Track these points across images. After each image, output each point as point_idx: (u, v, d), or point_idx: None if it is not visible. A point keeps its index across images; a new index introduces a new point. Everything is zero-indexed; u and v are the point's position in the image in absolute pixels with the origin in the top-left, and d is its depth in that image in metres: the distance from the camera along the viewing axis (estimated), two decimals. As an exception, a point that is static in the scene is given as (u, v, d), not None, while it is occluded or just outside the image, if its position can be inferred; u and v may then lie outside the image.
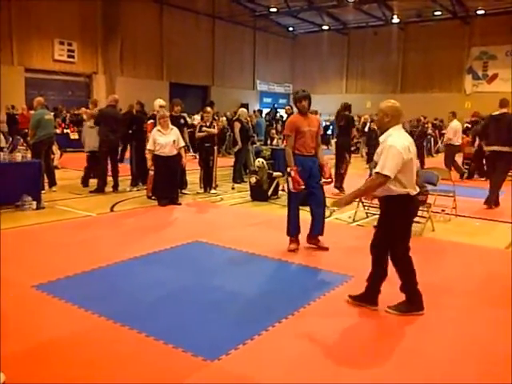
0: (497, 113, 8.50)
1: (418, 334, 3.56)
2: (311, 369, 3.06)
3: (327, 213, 7.80)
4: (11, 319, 3.56)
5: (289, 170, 5.38)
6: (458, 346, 3.40)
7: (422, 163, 12.95)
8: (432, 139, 18.64)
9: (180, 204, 7.98)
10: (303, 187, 5.34)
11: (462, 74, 27.40)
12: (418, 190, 3.78)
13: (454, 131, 12.31)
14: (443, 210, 7.42)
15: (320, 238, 5.70)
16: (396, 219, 3.75)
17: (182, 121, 9.22)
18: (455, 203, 7.48)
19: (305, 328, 3.61)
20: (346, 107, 9.83)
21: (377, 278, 3.91)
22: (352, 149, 18.96)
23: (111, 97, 9.63)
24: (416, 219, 6.57)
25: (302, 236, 5.71)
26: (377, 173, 3.60)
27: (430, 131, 16.85)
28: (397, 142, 3.57)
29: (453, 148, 12.34)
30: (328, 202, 5.53)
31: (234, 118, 10.51)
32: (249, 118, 11.07)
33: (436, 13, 25.49)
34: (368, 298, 3.95)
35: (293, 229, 5.62)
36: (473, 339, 3.50)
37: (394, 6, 25.04)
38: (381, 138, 3.73)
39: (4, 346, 3.09)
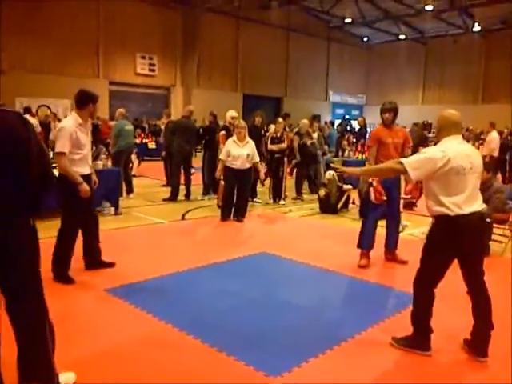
0: None
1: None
2: (377, 392, 2.93)
3: (399, 228, 7.55)
4: (83, 322, 3.74)
5: (371, 180, 5.26)
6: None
7: (505, 178, 12.17)
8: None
9: (242, 221, 7.60)
10: (385, 198, 5.21)
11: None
12: (469, 210, 3.17)
13: (496, 142, 11.54)
14: (527, 229, 6.89)
15: (397, 252, 5.60)
16: (430, 241, 3.37)
17: (263, 132, 9.32)
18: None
19: (371, 348, 3.48)
20: (424, 126, 9.79)
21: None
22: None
23: (186, 108, 9.96)
24: (496, 238, 6.20)
25: (375, 252, 5.55)
26: (398, 161, 3.32)
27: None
28: (436, 148, 3.28)
29: (494, 159, 11.59)
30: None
31: (294, 132, 10.42)
32: (310, 130, 10.88)
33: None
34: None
35: (367, 242, 5.45)
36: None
37: (475, 14, 23.92)
38: (428, 148, 3.49)
39: (75, 349, 3.24)
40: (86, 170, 4.65)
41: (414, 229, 7.31)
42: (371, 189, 5.23)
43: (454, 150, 3.20)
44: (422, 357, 3.35)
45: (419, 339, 3.40)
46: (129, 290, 4.42)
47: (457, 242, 3.23)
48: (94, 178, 4.87)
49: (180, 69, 22.98)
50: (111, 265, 4.96)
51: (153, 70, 22.11)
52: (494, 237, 6.12)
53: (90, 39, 19.85)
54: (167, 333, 3.60)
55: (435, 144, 3.46)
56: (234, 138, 7.60)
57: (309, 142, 9.96)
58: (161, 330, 3.64)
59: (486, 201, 6.12)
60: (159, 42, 21.95)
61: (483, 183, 6.20)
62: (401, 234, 6.90)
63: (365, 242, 5.48)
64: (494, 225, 6.05)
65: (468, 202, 3.19)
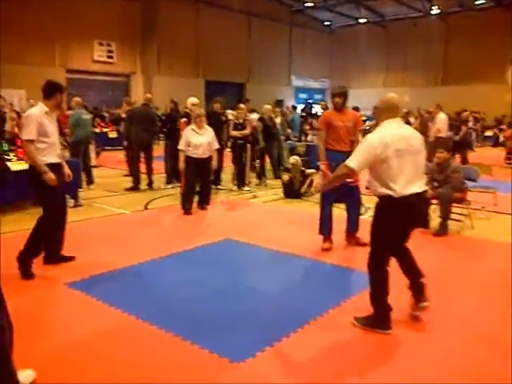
0: None
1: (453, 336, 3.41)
2: (340, 373, 2.98)
3: (362, 210, 7.65)
4: (43, 318, 3.64)
5: (319, 164, 5.33)
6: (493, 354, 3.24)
7: (465, 159, 12.51)
8: (474, 134, 17.99)
9: (206, 209, 7.52)
10: None
11: (506, 65, 26.29)
12: (411, 191, 3.30)
13: (443, 123, 11.90)
14: (483, 207, 7.14)
15: (358, 234, 5.67)
16: (376, 222, 3.46)
17: (224, 118, 9.20)
18: (496, 200, 7.17)
19: (335, 330, 3.52)
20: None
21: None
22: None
23: (144, 95, 9.82)
24: (455, 217, 6.38)
25: (336, 235, 5.61)
26: (344, 165, 3.41)
27: (471, 125, 16.27)
28: (374, 134, 3.37)
29: (442, 140, 11.93)
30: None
31: (257, 118, 10.39)
32: (273, 115, 10.87)
33: (478, 1, 24.56)
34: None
35: (325, 228, 5.54)
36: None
37: (433, -4, 24.36)
38: (369, 134, 3.57)
39: (36, 344, 3.16)
40: (54, 159, 4.53)
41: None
42: (320, 173, 5.29)
43: (391, 134, 3.32)
44: (384, 336, 3.42)
45: (379, 318, 3.48)
46: (90, 283, 4.33)
47: (400, 221, 3.39)
48: (67, 170, 4.78)
49: (140, 56, 22.50)
50: (71, 259, 4.84)
51: (111, 57, 21.55)
52: (452, 216, 6.29)
53: (46, 26, 19.12)
54: (130, 324, 3.55)
55: (375, 127, 3.58)
56: (193, 126, 7.38)
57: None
58: (124, 322, 3.58)
59: (444, 180, 6.34)
60: (117, 28, 21.37)
61: (441, 163, 6.39)
62: (364, 217, 7.02)
63: (323, 227, 5.55)
64: (453, 204, 6.22)
65: (410, 183, 3.31)
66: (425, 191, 3.50)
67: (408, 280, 3.65)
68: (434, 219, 6.42)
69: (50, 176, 4.36)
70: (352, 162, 3.34)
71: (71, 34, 19.82)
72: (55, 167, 4.49)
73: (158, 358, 3.09)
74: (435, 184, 6.36)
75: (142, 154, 9.31)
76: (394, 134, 3.33)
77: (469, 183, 6.46)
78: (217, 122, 8.25)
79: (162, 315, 3.68)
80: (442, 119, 11.95)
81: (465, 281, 4.58)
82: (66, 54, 20.07)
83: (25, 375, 2.72)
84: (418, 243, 5.85)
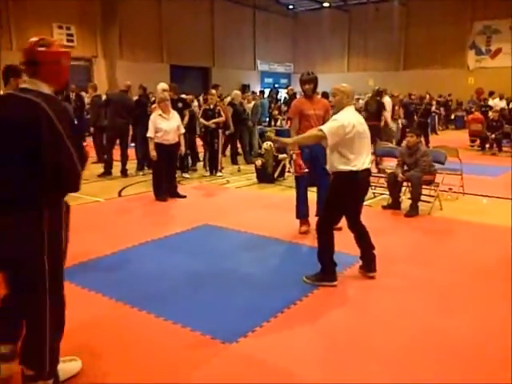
0: None
1: (439, 314, 3.59)
2: (327, 351, 3.10)
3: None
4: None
5: (291, 152, 5.39)
6: (470, 328, 3.44)
7: (427, 141, 12.89)
8: (436, 117, 18.49)
9: (185, 196, 7.39)
10: (306, 171, 5.29)
11: (465, 49, 27.01)
12: (365, 166, 3.93)
13: (389, 106, 12.35)
14: (450, 189, 7.43)
15: None
16: (334, 192, 4.04)
17: (180, 104, 9.02)
18: (462, 181, 7.47)
19: (320, 308, 3.65)
20: (378, 93, 10.43)
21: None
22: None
23: (124, 82, 9.69)
24: (424, 198, 6.62)
25: (312, 217, 5.73)
26: (320, 129, 3.88)
27: (434, 109, 16.72)
28: (343, 116, 3.87)
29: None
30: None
31: (227, 103, 10.35)
32: (243, 101, 10.92)
33: (438, -13, 25.07)
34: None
35: (301, 212, 5.64)
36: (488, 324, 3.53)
37: (395, -19, 24.65)
38: (335, 116, 3.97)
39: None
40: None
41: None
42: (292, 162, 5.36)
43: (353, 117, 3.91)
44: (370, 314, 3.57)
45: (326, 273, 4.06)
46: (71, 272, 4.27)
47: (355, 191, 4.01)
48: None
49: (101, 40, 21.83)
50: None
51: (71, 41, 20.84)
52: (422, 197, 6.53)
53: (0, 8, 18.32)
54: (118, 310, 3.57)
55: (335, 112, 4.04)
56: (159, 112, 7.19)
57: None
58: (111, 309, 3.60)
59: (414, 164, 6.56)
60: (77, 11, 20.64)
61: (411, 147, 6.60)
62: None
63: (299, 211, 5.63)
64: (423, 186, 6.45)
65: (363, 160, 3.93)
66: (370, 168, 4.12)
67: (360, 251, 4.26)
68: (405, 201, 6.64)
69: None
70: (326, 129, 3.82)
71: (28, 17, 19.06)
72: None
73: (151, 342, 3.13)
74: (405, 167, 6.58)
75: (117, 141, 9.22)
76: (356, 118, 3.94)
77: (437, 165, 6.70)
78: (175, 109, 8.06)
79: (149, 300, 3.71)
80: (387, 102, 12.36)
81: (436, 257, 4.79)
82: (24, 37, 19.28)
83: (71, 366, 2.73)
84: (390, 224, 6.11)
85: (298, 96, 17.83)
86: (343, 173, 3.91)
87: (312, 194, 5.73)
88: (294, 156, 5.27)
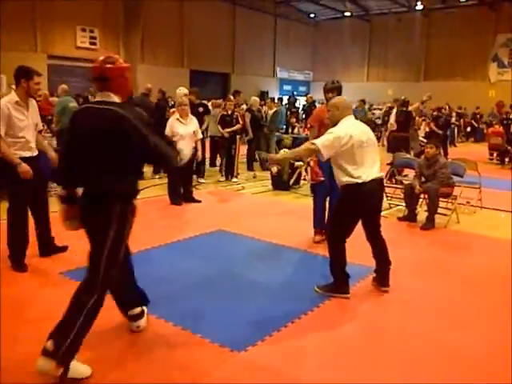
0: None
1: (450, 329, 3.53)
2: (336, 362, 3.06)
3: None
4: (42, 308, 3.63)
5: (309, 160, 5.34)
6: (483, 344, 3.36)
7: (446, 153, 12.75)
8: (456, 128, 18.29)
9: (200, 201, 7.44)
10: (322, 179, 5.28)
11: (487, 61, 26.71)
12: (372, 177, 3.80)
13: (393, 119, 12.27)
14: (468, 202, 7.32)
15: None
16: (340, 205, 3.98)
17: (201, 109, 9.10)
18: (480, 195, 7.36)
19: (331, 320, 3.61)
20: (404, 103, 10.28)
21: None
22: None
23: (144, 85, 9.77)
24: (441, 211, 6.53)
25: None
26: (311, 143, 3.81)
27: (453, 120, 16.55)
28: (339, 128, 3.79)
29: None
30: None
31: (245, 108, 10.39)
32: (262, 107, 11.00)
33: (462, -1, 24.88)
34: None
35: (317, 221, 5.57)
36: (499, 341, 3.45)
37: (417, -8, 24.53)
38: (330, 129, 3.88)
39: (38, 336, 3.15)
40: (26, 153, 4.26)
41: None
42: (309, 169, 5.32)
43: (353, 127, 3.83)
44: (381, 325, 3.51)
45: (339, 285, 3.99)
46: (79, 274, 4.29)
47: (363, 203, 3.87)
48: (52, 154, 4.56)
49: (123, 43, 22.14)
50: (64, 249, 4.79)
51: (94, 44, 21.16)
52: (439, 210, 6.44)
53: (26, 11, 18.68)
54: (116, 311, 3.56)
55: (333, 126, 3.92)
56: (177, 116, 7.24)
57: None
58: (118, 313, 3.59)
59: (432, 175, 6.48)
60: (100, 14, 20.97)
61: (430, 158, 6.53)
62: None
63: (315, 220, 5.56)
64: (440, 199, 6.37)
65: (369, 170, 3.80)
66: (381, 177, 3.96)
67: (376, 264, 4.17)
68: (421, 213, 6.56)
69: (24, 168, 4.14)
70: (319, 142, 3.72)
71: (53, 19, 19.40)
72: (27, 161, 4.20)
73: (157, 348, 3.12)
74: (423, 179, 6.50)
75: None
76: (355, 127, 3.85)
77: (455, 178, 6.61)
78: (195, 114, 8.13)
79: (160, 305, 3.69)
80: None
81: (451, 272, 4.71)
82: (48, 39, 19.64)
83: (82, 369, 2.74)
84: (405, 236, 6.04)
85: (317, 104, 17.91)
86: (348, 186, 3.81)
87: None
88: (312, 163, 5.25)
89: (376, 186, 3.88)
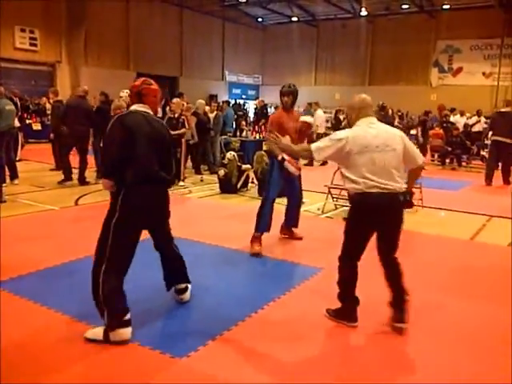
0: (503, 110, 10.68)
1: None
2: (280, 365, 3.02)
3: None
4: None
5: (280, 157, 5.25)
6: (441, 340, 3.42)
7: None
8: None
9: None
10: (298, 173, 5.37)
11: (429, 66, 27.85)
12: (381, 189, 3.25)
13: (321, 119, 12.91)
14: (411, 202, 7.50)
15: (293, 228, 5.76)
16: (348, 217, 3.52)
17: None
18: (422, 194, 7.57)
19: (276, 322, 3.57)
20: (382, 107, 10.57)
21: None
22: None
23: (80, 88, 9.47)
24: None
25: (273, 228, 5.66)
26: (309, 146, 3.58)
27: (396, 123, 17.06)
28: (342, 131, 3.45)
29: (320, 136, 12.74)
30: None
31: (191, 112, 10.26)
32: (207, 110, 10.89)
33: (403, 6, 25.77)
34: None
35: (263, 224, 5.33)
36: (458, 332, 3.53)
37: (362, -1, 25.18)
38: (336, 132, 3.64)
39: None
40: None
41: (311, 205, 7.61)
42: (287, 163, 5.26)
43: (358, 131, 3.36)
44: (326, 324, 3.51)
45: (345, 311, 3.54)
46: (19, 283, 4.09)
47: (367, 217, 3.36)
48: None
49: (65, 45, 21.42)
50: None
51: (34, 45, 20.35)
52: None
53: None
54: (65, 324, 3.40)
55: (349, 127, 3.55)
56: None
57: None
58: (57, 322, 3.42)
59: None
60: (41, 14, 20.21)
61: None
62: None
63: (261, 223, 5.32)
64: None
65: (377, 179, 3.25)
66: (399, 190, 3.31)
67: (390, 294, 3.49)
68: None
69: None
70: (315, 144, 3.48)
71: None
72: None
73: (95, 357, 2.98)
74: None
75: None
76: (361, 130, 3.36)
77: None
78: None
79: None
80: (320, 116, 12.83)
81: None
82: (-18, 39, 18.73)
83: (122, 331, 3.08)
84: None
85: (269, 109, 18.00)
86: (352, 195, 3.39)
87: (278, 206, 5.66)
88: (286, 156, 5.16)
89: (387, 200, 3.28)
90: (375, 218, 3.35)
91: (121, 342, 3.08)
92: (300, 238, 5.70)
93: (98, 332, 3.14)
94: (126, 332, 3.12)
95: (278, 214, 5.65)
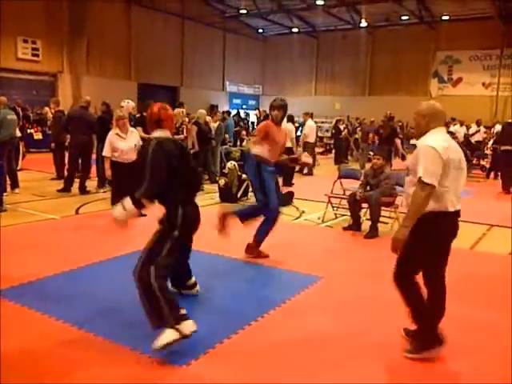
0: (510, 120, 11.44)
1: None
2: (279, 373, 3.02)
3: (297, 214, 7.85)
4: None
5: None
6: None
7: (390, 165, 13.14)
8: (399, 141, 18.92)
9: (145, 215, 7.39)
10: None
11: (428, 77, 27.99)
12: (457, 208, 3.05)
13: (311, 129, 12.97)
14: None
15: (290, 238, 5.74)
16: (419, 239, 3.03)
17: None
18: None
19: (275, 331, 3.58)
20: (391, 118, 10.90)
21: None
22: (321, 150, 19.34)
23: (83, 98, 9.58)
24: (385, 220, 6.68)
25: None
26: (419, 181, 2.91)
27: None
28: (435, 143, 2.96)
29: (309, 145, 12.94)
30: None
31: (192, 121, 10.33)
32: (208, 120, 10.98)
33: (403, 17, 25.94)
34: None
35: (264, 236, 5.33)
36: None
37: (362, 10, 25.35)
38: (417, 143, 3.17)
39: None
40: None
41: (310, 214, 7.63)
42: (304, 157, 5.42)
43: (448, 142, 3.06)
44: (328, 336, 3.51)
45: (427, 338, 3.17)
46: (19, 291, 4.10)
47: (444, 238, 3.10)
48: None
49: (67, 55, 21.55)
50: None
51: (36, 55, 20.47)
52: (383, 219, 6.59)
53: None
54: (67, 332, 3.40)
55: (418, 137, 3.20)
56: (116, 130, 6.95)
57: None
58: (59, 331, 3.42)
59: (376, 185, 6.64)
60: (43, 24, 20.36)
61: (376, 169, 6.71)
62: (298, 220, 7.22)
63: (263, 234, 5.30)
64: (383, 208, 6.52)
65: (456, 199, 3.07)
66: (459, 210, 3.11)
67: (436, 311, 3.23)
68: (366, 222, 6.69)
69: None
70: (426, 176, 2.89)
71: (-8, 30, 18.66)
72: None
73: (96, 366, 2.98)
74: (368, 188, 6.66)
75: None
76: (450, 142, 3.07)
77: (398, 188, 6.79)
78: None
79: (99, 322, 3.56)
80: (311, 126, 13.01)
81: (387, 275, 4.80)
82: (-15, 50, 18.85)
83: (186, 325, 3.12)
84: (350, 245, 6.12)
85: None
86: (431, 213, 2.97)
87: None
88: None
89: (457, 220, 3.12)
90: (447, 240, 3.12)
91: (193, 332, 3.13)
92: (266, 256, 5.36)
93: (167, 336, 3.05)
94: (191, 323, 3.18)
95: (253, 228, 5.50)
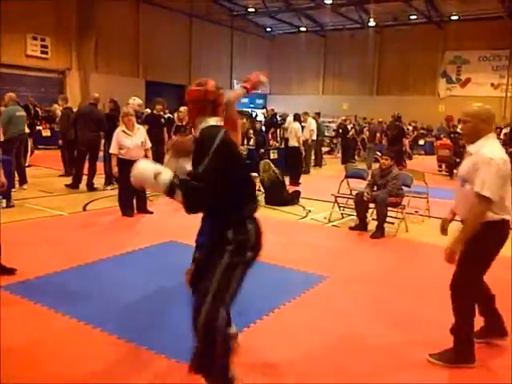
0: None
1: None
2: (281, 373, 3.03)
3: (303, 213, 7.86)
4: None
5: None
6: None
7: (401, 165, 13.11)
8: (407, 141, 18.89)
9: (152, 213, 7.23)
10: None
11: (436, 77, 27.87)
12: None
13: (311, 129, 12.92)
14: (417, 212, 7.52)
15: (296, 237, 5.75)
16: (479, 247, 2.99)
17: (163, 120, 9.17)
18: (428, 204, 7.58)
19: (281, 329, 3.59)
20: (398, 118, 10.97)
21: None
22: (327, 149, 19.31)
23: (92, 95, 9.62)
24: (391, 220, 6.68)
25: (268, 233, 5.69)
26: (478, 195, 2.85)
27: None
28: (494, 154, 2.88)
29: (310, 144, 12.95)
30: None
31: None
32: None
33: (411, 17, 25.84)
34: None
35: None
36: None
37: (370, 10, 25.28)
38: (471, 149, 3.03)
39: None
40: None
41: (317, 214, 7.64)
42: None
43: (502, 150, 3.01)
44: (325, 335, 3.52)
45: (463, 351, 3.10)
46: (27, 286, 4.14)
47: (502, 245, 3.06)
48: (2, 179, 4.47)
49: (76, 52, 21.67)
50: (11, 271, 4.36)
51: (45, 53, 20.59)
52: (389, 219, 6.58)
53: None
54: (74, 328, 3.43)
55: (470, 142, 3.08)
56: (123, 127, 6.96)
57: None
58: (66, 326, 3.46)
59: (383, 185, 6.63)
60: (52, 22, 20.46)
61: (384, 169, 6.70)
62: (305, 219, 7.23)
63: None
64: (390, 208, 6.52)
65: (510, 207, 3.03)
66: None
67: (484, 321, 3.36)
68: (372, 222, 6.68)
69: None
70: (486, 190, 2.83)
71: (1, 27, 18.77)
72: None
73: (101, 361, 3.01)
74: (375, 188, 6.66)
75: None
76: (503, 151, 3.01)
77: (404, 188, 6.79)
78: (157, 125, 8.17)
79: (105, 318, 3.58)
80: (312, 123, 13.01)
81: (400, 280, 4.80)
82: (-3, 47, 18.98)
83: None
84: (356, 245, 6.12)
85: (278, 117, 18.07)
86: (492, 222, 2.95)
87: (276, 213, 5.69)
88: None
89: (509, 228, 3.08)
90: (501, 246, 3.09)
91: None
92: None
93: None
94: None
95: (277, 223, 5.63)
